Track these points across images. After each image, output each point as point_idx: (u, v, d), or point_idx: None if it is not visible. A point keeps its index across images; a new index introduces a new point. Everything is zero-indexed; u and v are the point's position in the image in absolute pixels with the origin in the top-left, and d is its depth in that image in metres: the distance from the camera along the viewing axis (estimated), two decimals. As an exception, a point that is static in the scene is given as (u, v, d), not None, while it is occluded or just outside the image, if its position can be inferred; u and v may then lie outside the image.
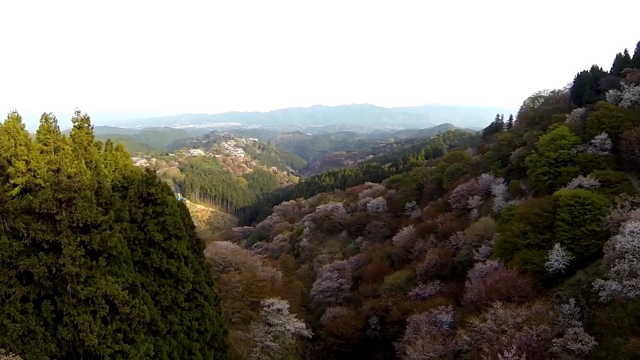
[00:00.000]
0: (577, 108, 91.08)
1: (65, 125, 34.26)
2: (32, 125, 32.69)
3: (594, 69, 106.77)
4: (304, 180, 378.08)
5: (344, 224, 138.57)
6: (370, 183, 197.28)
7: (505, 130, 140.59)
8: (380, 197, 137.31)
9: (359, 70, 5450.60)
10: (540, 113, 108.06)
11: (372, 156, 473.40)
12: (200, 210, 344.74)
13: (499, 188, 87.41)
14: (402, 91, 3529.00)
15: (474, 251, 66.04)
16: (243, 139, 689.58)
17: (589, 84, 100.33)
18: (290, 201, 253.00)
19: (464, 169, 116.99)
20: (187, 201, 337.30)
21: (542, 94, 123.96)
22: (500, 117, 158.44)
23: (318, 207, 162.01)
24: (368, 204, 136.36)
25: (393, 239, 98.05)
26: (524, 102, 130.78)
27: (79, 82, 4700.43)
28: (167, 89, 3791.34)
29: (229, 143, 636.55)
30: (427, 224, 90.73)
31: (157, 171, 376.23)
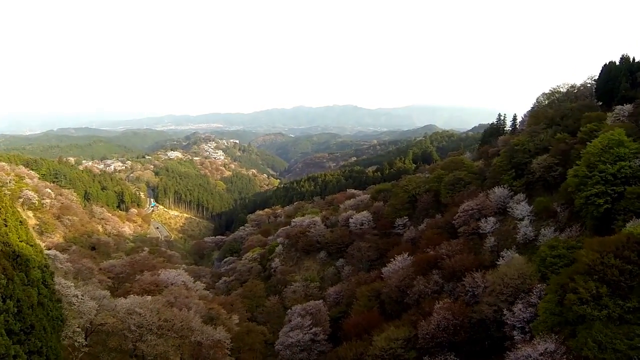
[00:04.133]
0: (602, 104, 76.45)
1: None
2: None
3: (625, 59, 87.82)
4: (282, 186, 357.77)
5: (322, 243, 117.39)
6: (354, 190, 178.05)
7: (508, 132, 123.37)
8: (365, 212, 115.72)
9: (342, 71, 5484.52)
10: (562, 112, 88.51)
11: (355, 158, 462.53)
12: (173, 217, 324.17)
13: (521, 208, 67.01)
14: (385, 92, 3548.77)
15: (505, 311, 45.14)
16: (224, 141, 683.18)
17: (624, 77, 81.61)
18: (266, 210, 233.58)
19: (467, 179, 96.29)
20: (161, 207, 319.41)
21: (560, 89, 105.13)
22: (502, 117, 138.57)
23: (294, 219, 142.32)
24: (351, 219, 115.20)
25: (383, 272, 76.22)
26: (537, 99, 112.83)
27: (60, 82, 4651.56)
28: (151, 91, 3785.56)
29: (209, 145, 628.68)
30: (427, 256, 68.37)
31: (131, 175, 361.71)
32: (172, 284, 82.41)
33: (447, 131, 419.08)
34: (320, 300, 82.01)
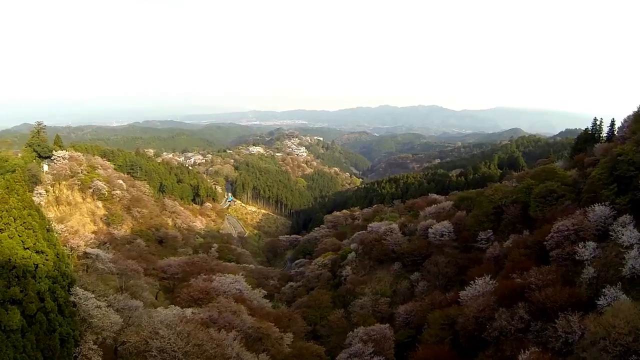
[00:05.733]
0: None
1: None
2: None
3: None
4: (362, 186, 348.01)
5: (398, 253, 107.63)
6: (435, 196, 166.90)
7: (604, 139, 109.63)
8: (445, 222, 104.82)
9: (427, 71, 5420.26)
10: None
11: (438, 160, 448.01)
12: (250, 213, 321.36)
13: (628, 234, 54.59)
14: (471, 94, 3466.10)
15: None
16: (307, 138, 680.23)
17: None
18: (343, 211, 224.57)
19: (559, 191, 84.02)
20: (238, 202, 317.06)
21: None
22: (598, 123, 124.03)
23: (371, 224, 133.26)
24: (430, 229, 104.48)
25: (461, 295, 66.23)
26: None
27: (147, 76, 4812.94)
28: (236, 86, 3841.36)
29: (292, 141, 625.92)
30: (513, 284, 57.26)
31: (210, 168, 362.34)
32: (224, 292, 75.29)
33: (534, 135, 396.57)
34: (387, 325, 72.49)
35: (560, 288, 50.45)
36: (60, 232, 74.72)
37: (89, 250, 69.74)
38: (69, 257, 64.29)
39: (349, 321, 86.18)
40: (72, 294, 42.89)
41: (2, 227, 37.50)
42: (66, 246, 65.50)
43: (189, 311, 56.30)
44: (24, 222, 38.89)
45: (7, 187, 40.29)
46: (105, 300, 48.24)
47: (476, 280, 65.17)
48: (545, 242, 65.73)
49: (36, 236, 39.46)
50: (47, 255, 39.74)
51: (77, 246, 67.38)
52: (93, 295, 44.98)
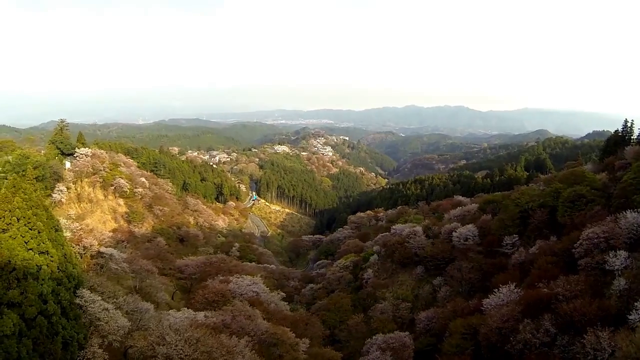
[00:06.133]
0: None
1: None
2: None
3: None
4: (387, 187, 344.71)
5: (420, 256, 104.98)
6: (461, 198, 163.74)
7: (635, 141, 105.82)
8: (470, 225, 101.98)
9: (455, 71, 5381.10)
10: None
11: (464, 161, 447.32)
12: (274, 212, 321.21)
13: None
14: (497, 94, 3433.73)
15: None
16: (333, 137, 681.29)
17: None
18: (367, 212, 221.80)
19: (589, 196, 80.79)
20: (262, 201, 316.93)
21: None
22: (629, 124, 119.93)
23: (394, 226, 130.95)
24: (454, 232, 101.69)
25: (484, 304, 63.61)
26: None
27: (171, 75, 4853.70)
28: (262, 85, 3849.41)
29: (318, 140, 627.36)
30: (539, 293, 54.30)
31: (235, 167, 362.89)
32: (240, 295, 73.65)
33: (561, 137, 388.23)
34: (406, 333, 70.14)
35: (589, 300, 47.70)
36: (75, 230, 73.81)
37: (102, 249, 68.40)
38: (81, 257, 63.47)
39: (368, 326, 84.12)
40: (77, 296, 41.61)
41: (5, 228, 36.38)
42: (79, 245, 64.34)
43: (201, 315, 54.66)
44: (29, 222, 37.73)
45: (14, 187, 39.11)
46: (114, 302, 46.91)
47: (500, 288, 62.47)
48: (573, 250, 62.67)
49: (41, 237, 38.24)
50: (51, 256, 38.54)
51: (90, 245, 66.05)
52: (100, 298, 43.59)
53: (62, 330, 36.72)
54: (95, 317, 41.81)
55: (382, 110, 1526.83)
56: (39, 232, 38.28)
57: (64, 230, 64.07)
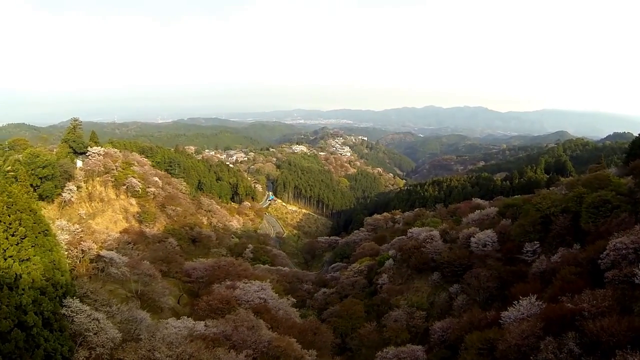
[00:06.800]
0: None
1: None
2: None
3: None
4: (405, 188, 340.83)
5: (437, 262, 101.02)
6: (479, 200, 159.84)
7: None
8: (489, 231, 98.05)
9: (473, 72, 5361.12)
10: None
11: (483, 163, 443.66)
12: (291, 212, 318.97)
13: None
14: (516, 95, 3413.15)
15: None
16: (352, 137, 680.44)
17: None
18: (384, 214, 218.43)
19: (614, 202, 76.57)
20: (278, 201, 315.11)
21: None
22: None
23: (411, 229, 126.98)
24: (472, 238, 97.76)
25: (502, 316, 59.97)
26: None
27: (189, 75, 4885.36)
28: (281, 84, 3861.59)
29: (337, 140, 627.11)
30: (562, 309, 50.31)
31: (252, 167, 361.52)
32: (247, 302, 70.53)
33: (581, 139, 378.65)
34: (419, 347, 66.81)
35: (617, 318, 43.73)
36: (75, 232, 71.38)
37: (103, 253, 65.93)
38: (79, 261, 61.02)
39: (380, 334, 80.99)
40: (64, 306, 38.96)
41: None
42: (77, 249, 61.86)
43: (201, 324, 51.64)
44: (9, 228, 35.16)
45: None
46: (107, 311, 44.24)
47: (520, 300, 58.60)
48: (599, 261, 58.51)
49: (23, 243, 35.65)
50: (34, 264, 35.88)
51: (89, 249, 63.50)
52: (89, 307, 40.76)
53: (45, 342, 34.38)
54: (84, 327, 39.14)
55: (401, 111, 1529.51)
56: (21, 238, 35.82)
57: (62, 233, 61.75)
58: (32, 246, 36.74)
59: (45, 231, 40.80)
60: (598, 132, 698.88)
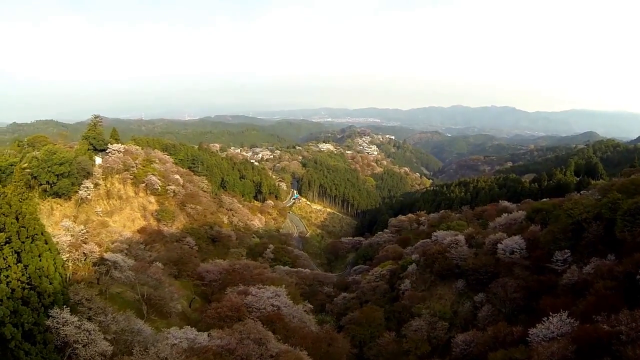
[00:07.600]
0: None
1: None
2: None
3: None
4: (431, 188, 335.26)
5: (462, 269, 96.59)
6: (507, 203, 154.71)
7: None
8: (517, 237, 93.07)
9: (501, 71, 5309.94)
10: None
11: (510, 163, 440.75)
12: (315, 211, 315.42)
13: None
14: (545, 95, 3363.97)
15: None
16: (379, 136, 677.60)
17: None
18: (409, 215, 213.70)
19: (654, 209, 71.61)
20: (303, 200, 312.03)
21: None
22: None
23: (436, 233, 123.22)
24: (499, 244, 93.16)
25: (530, 334, 55.74)
26: None
27: (215, 72, 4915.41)
28: (309, 82, 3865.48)
29: (364, 139, 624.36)
30: (597, 331, 45.57)
31: (277, 165, 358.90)
32: (258, 310, 67.01)
33: (612, 140, 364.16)
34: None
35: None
36: (80, 234, 68.69)
37: (107, 256, 63.02)
38: (81, 264, 58.19)
39: (400, 345, 77.31)
40: (50, 317, 35.95)
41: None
42: (78, 252, 59.01)
43: (204, 336, 48.29)
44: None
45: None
46: (100, 321, 41.18)
47: (550, 317, 54.05)
48: (638, 276, 53.77)
49: (3, 250, 32.71)
50: (14, 272, 32.93)
51: (91, 252, 60.55)
52: (76, 318, 37.67)
53: (25, 356, 31.66)
54: (73, 339, 36.11)
55: (428, 110, 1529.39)
56: (1, 245, 32.86)
57: (66, 234, 58.94)
58: (15, 252, 33.84)
59: (35, 235, 37.95)
60: (628, 132, 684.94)
